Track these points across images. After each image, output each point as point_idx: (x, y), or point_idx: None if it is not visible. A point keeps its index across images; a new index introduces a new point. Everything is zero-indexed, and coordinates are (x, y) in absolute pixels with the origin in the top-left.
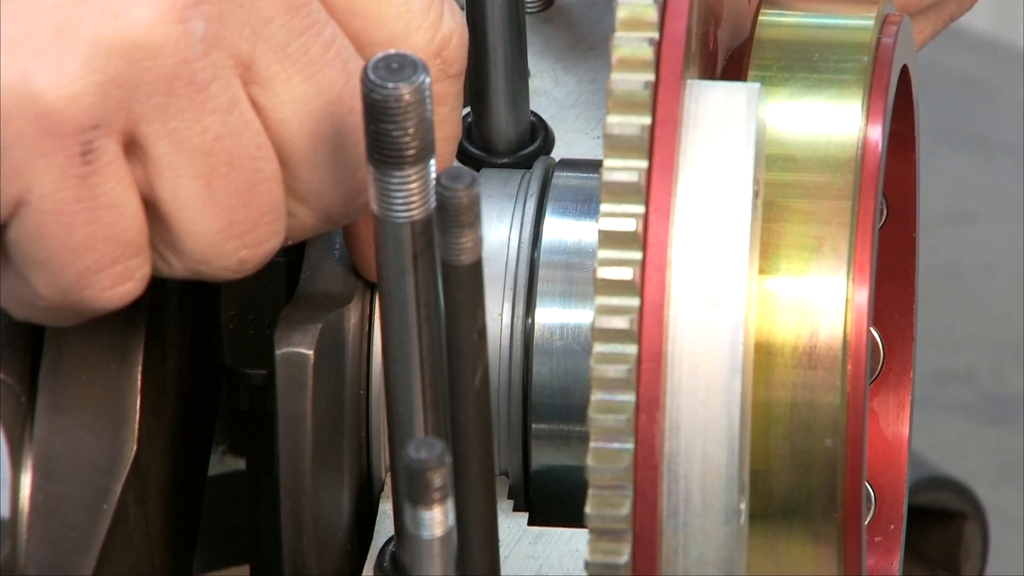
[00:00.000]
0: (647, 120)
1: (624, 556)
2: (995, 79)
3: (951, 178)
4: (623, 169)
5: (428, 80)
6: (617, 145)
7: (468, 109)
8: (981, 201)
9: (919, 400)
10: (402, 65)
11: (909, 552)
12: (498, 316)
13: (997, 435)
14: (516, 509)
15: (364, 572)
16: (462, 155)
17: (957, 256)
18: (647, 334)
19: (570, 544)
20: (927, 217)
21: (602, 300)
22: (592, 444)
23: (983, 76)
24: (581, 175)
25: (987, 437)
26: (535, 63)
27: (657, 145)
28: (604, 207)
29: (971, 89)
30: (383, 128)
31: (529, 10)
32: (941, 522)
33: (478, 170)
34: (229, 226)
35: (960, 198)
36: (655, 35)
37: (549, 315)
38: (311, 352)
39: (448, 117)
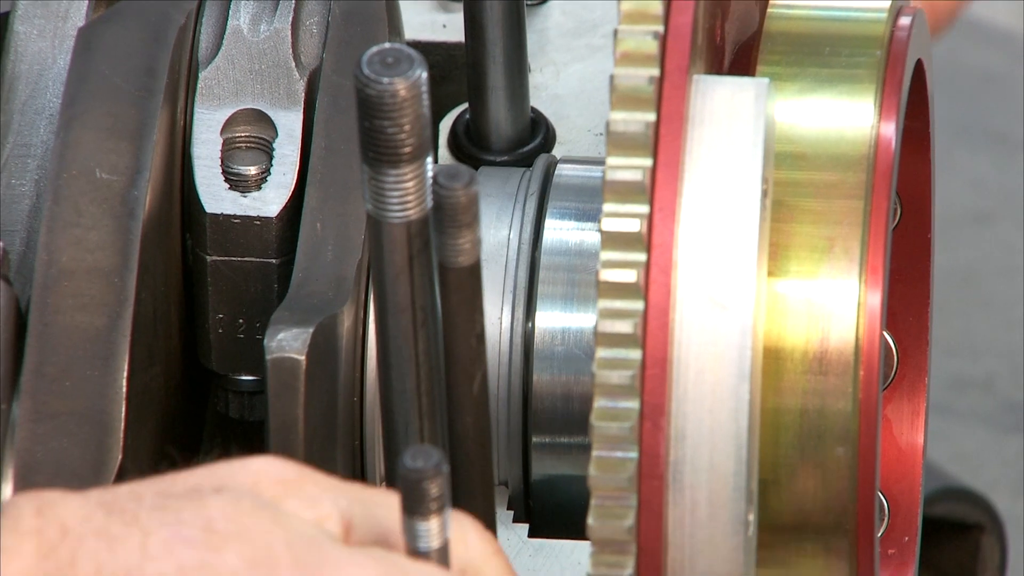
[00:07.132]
0: (652, 116)
1: (628, 569)
2: (1015, 75)
3: (968, 177)
4: (627, 167)
5: (424, 74)
6: (620, 142)
7: (466, 105)
8: (1000, 201)
9: (936, 408)
10: (397, 59)
11: (924, 565)
12: (497, 320)
13: (1017, 444)
14: (516, 520)
15: None
16: (460, 153)
17: (975, 258)
18: (652, 339)
19: (572, 557)
20: (943, 217)
21: (605, 303)
22: (595, 453)
23: (1003, 71)
24: (583, 173)
25: (1007, 447)
26: (535, 57)
27: (662, 142)
28: (607, 207)
29: (990, 85)
30: (377, 125)
31: (529, 3)
32: (957, 534)
33: (476, 168)
34: None
35: (978, 198)
36: (660, 28)
37: (550, 319)
38: (303, 357)
39: None
